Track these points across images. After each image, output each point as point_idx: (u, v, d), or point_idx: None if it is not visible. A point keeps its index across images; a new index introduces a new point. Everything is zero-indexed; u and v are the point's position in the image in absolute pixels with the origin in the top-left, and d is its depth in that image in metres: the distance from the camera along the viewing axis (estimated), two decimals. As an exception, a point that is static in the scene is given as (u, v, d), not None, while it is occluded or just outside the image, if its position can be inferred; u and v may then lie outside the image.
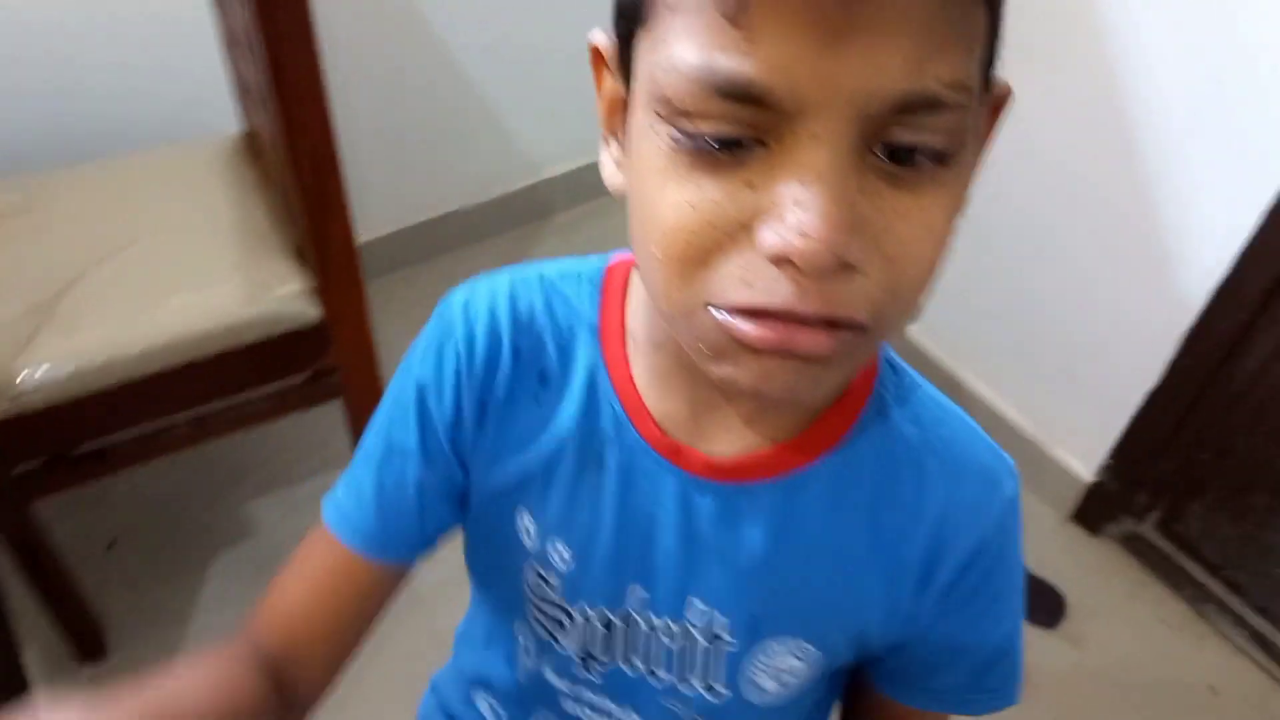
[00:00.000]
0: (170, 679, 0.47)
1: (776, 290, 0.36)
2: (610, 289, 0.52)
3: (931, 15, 0.33)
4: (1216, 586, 1.35)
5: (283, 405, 1.20)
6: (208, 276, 1.10)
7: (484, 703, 0.66)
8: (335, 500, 0.56)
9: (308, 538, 0.57)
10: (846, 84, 0.33)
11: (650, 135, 0.37)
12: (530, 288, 0.53)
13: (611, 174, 0.44)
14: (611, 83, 0.43)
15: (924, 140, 0.35)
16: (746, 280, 0.36)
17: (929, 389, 0.52)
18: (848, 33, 0.32)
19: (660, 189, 0.37)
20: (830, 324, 0.36)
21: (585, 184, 1.99)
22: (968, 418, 0.52)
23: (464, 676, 0.67)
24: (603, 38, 0.43)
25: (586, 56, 0.45)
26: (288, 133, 0.96)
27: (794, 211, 0.34)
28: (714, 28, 0.33)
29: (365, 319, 1.16)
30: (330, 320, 1.12)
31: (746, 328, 0.37)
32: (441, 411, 0.52)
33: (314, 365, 1.18)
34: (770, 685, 0.54)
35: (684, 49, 0.34)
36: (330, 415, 1.24)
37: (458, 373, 0.52)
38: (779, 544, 0.50)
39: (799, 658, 0.52)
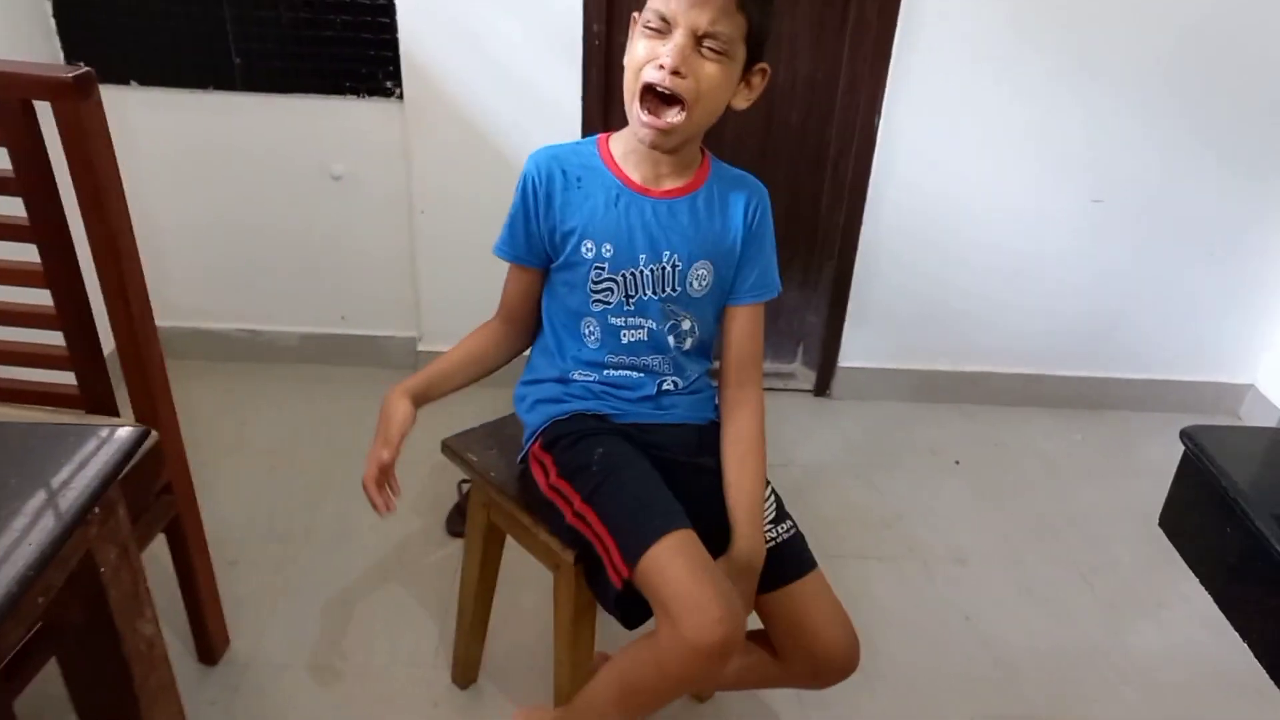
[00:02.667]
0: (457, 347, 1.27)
1: (658, 76, 1.11)
2: (600, 140, 1.27)
3: (720, 11, 1.10)
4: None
5: (147, 530, 1.43)
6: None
7: (575, 374, 1.30)
8: (505, 250, 1.29)
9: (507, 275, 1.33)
10: (691, 21, 1.10)
11: (639, 31, 1.15)
12: (562, 146, 1.27)
13: (627, 57, 1.18)
14: (634, 29, 1.17)
15: (713, 45, 1.11)
16: (649, 75, 1.12)
17: (726, 165, 1.32)
18: (697, 9, 1.09)
19: (637, 45, 1.15)
20: (675, 99, 1.13)
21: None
22: (738, 169, 1.32)
23: (549, 372, 1.32)
24: (635, 15, 1.17)
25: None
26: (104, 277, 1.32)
27: (670, 52, 1.10)
28: (659, 3, 1.12)
29: (179, 431, 1.49)
30: (162, 441, 1.43)
31: (645, 118, 1.14)
32: (536, 203, 1.24)
33: (158, 485, 1.44)
34: (696, 285, 1.29)
35: (654, 7, 1.12)
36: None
37: (535, 186, 1.24)
38: (694, 219, 1.25)
39: (706, 270, 1.29)
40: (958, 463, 2.31)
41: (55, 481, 0.85)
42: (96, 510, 0.89)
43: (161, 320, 2.47)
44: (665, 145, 1.19)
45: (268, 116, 2.24)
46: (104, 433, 0.92)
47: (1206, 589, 0.99)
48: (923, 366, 2.51)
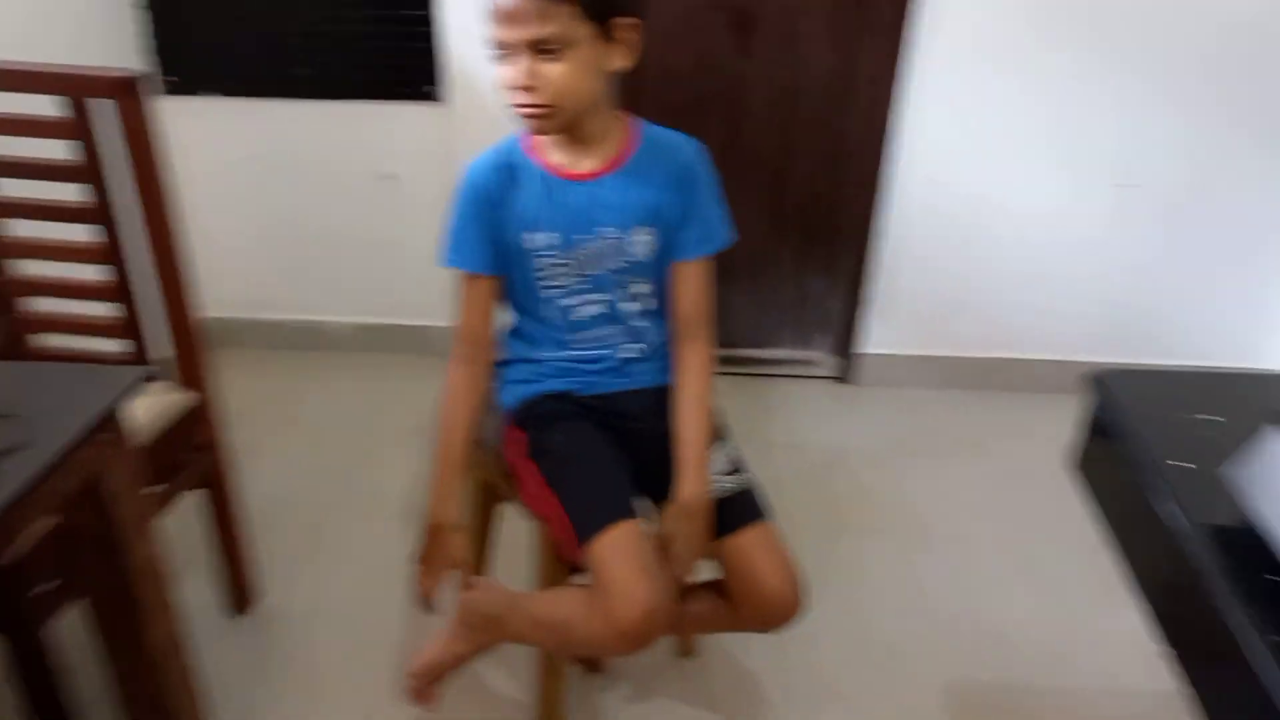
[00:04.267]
0: (458, 423, 1.36)
1: (519, 94, 1.21)
2: (524, 137, 1.36)
3: (537, 15, 1.17)
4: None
5: (183, 483, 1.61)
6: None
7: (544, 354, 1.42)
8: (458, 260, 1.35)
9: (458, 295, 1.36)
10: (519, 37, 1.18)
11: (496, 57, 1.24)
12: (493, 152, 1.36)
13: None
14: None
15: (547, 47, 1.18)
16: (513, 94, 1.22)
17: (657, 127, 1.40)
18: (518, 25, 1.17)
19: (500, 69, 1.23)
20: (537, 104, 1.22)
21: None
22: (668, 129, 1.41)
23: (522, 353, 1.44)
24: None
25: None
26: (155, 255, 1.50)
27: (517, 75, 1.20)
28: (494, 28, 1.21)
29: (218, 404, 1.67)
30: (202, 402, 1.61)
31: (519, 111, 1.24)
32: (490, 205, 1.33)
33: (196, 440, 1.63)
34: (639, 248, 1.39)
35: (492, 36, 1.21)
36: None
37: (487, 190, 1.33)
38: (621, 193, 1.36)
39: (647, 234, 1.39)
40: (979, 449, 2.34)
41: (74, 405, 1.02)
42: (106, 434, 1.05)
43: (229, 311, 2.75)
44: (550, 129, 1.28)
45: (327, 121, 2.45)
46: (116, 373, 1.08)
47: (1101, 529, 1.04)
48: (949, 353, 2.54)
